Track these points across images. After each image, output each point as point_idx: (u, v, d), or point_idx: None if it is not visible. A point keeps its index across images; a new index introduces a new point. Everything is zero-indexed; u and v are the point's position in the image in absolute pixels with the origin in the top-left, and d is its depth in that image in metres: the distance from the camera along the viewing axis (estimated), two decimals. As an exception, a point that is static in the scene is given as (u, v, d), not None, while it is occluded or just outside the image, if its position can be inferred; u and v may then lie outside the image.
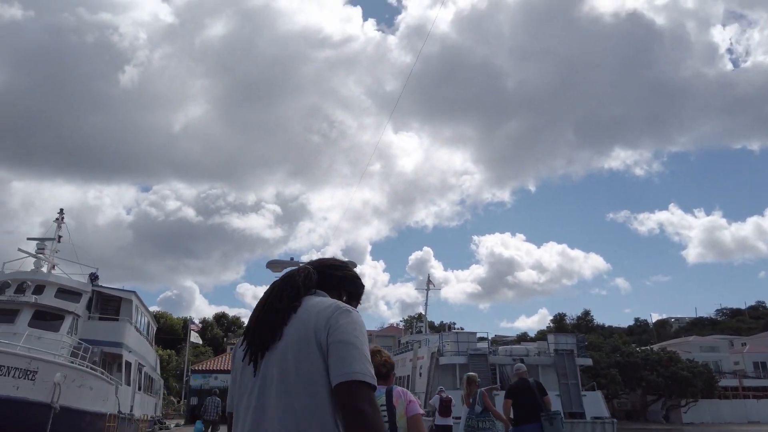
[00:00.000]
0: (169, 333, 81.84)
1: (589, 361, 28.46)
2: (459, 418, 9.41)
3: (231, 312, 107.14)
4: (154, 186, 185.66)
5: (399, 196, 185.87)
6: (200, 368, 42.99)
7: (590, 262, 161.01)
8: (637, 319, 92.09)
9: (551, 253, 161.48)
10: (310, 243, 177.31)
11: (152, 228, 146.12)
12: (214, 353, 72.17)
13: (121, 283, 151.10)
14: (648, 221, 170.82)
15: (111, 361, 23.20)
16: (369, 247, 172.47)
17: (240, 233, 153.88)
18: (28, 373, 14.47)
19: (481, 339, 28.68)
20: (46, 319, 19.83)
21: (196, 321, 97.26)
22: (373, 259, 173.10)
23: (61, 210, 24.74)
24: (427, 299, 41.97)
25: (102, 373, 19.43)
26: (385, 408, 3.21)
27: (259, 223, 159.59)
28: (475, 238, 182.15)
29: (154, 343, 33.71)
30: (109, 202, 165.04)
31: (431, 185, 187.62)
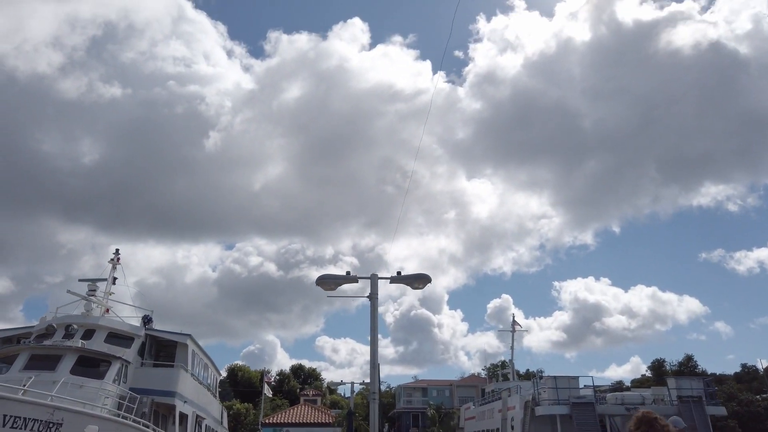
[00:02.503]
0: (247, 386, 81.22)
1: (722, 410, 23.40)
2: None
3: (309, 365, 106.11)
4: (238, 243, 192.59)
5: (475, 243, 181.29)
6: (270, 421, 40.48)
7: (685, 306, 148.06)
8: (744, 365, 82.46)
9: (641, 297, 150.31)
10: (387, 293, 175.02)
11: (236, 284, 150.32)
12: (289, 405, 70.09)
13: (208, 339, 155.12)
14: (746, 259, 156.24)
15: (165, 413, 20.99)
16: (446, 296, 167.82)
17: (321, 291, 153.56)
18: (51, 425, 12.33)
19: (586, 386, 24.19)
20: (91, 365, 17.95)
21: (274, 373, 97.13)
22: (450, 308, 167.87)
23: (117, 250, 23.45)
24: (513, 342, 37.80)
25: (148, 426, 17.12)
26: None
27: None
28: (556, 284, 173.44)
29: (217, 394, 31.51)
30: (196, 261, 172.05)
31: (508, 231, 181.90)
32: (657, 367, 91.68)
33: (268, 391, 59.63)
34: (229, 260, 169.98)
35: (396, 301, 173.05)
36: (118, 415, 16.21)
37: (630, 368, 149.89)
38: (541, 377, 24.87)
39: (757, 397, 62.32)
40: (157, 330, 22.22)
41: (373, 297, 10.03)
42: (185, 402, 21.58)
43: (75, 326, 18.94)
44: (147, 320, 21.66)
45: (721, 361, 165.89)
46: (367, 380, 29.83)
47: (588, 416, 21.42)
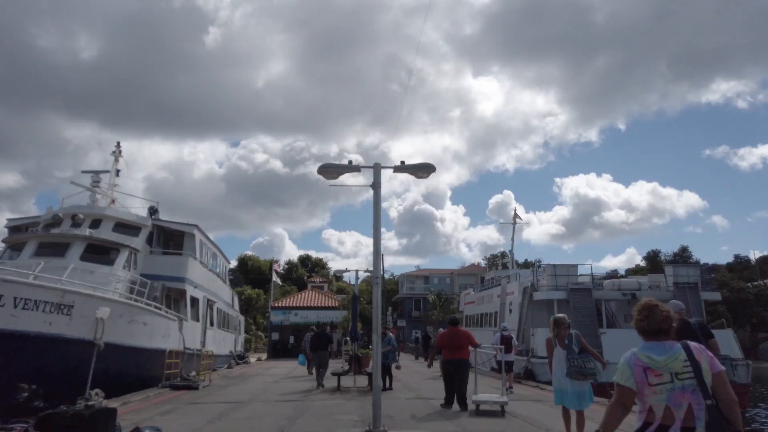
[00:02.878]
0: (257, 274, 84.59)
1: (717, 296, 24.14)
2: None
3: (316, 255, 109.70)
4: (243, 141, 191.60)
5: (479, 141, 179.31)
6: (280, 305, 42.26)
7: (684, 200, 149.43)
8: (737, 256, 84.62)
9: (641, 192, 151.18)
10: (392, 189, 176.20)
11: (243, 180, 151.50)
12: (297, 291, 73.17)
13: (218, 231, 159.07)
14: (750, 156, 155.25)
15: (177, 297, 21.81)
16: (449, 192, 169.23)
17: (324, 182, 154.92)
18: (62, 307, 12.75)
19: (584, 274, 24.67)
20: (100, 253, 18.35)
21: (282, 263, 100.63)
22: (453, 204, 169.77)
23: (118, 143, 23.17)
24: (513, 234, 38.33)
25: (159, 309, 17.81)
26: (688, 365, 2.99)
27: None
28: (557, 180, 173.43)
29: (227, 281, 32.65)
30: (202, 158, 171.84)
31: (513, 128, 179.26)
32: (652, 257, 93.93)
33: (277, 279, 62.06)
34: (235, 157, 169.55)
35: (400, 197, 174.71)
36: (130, 299, 16.79)
37: (625, 259, 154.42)
38: (539, 266, 25.48)
39: (748, 284, 64.50)
40: (164, 220, 22.56)
41: (376, 186, 9.87)
42: (195, 287, 22.36)
43: (81, 216, 19.13)
44: (153, 211, 21.90)
45: (715, 252, 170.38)
46: (372, 268, 30.77)
47: (585, 301, 22.18)
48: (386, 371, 15.92)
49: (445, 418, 10.60)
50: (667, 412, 2.98)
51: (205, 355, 18.97)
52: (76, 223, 19.13)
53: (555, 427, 10.22)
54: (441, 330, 14.92)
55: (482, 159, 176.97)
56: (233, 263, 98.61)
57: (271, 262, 69.35)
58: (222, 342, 28.33)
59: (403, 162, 9.86)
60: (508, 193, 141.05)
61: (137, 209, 22.39)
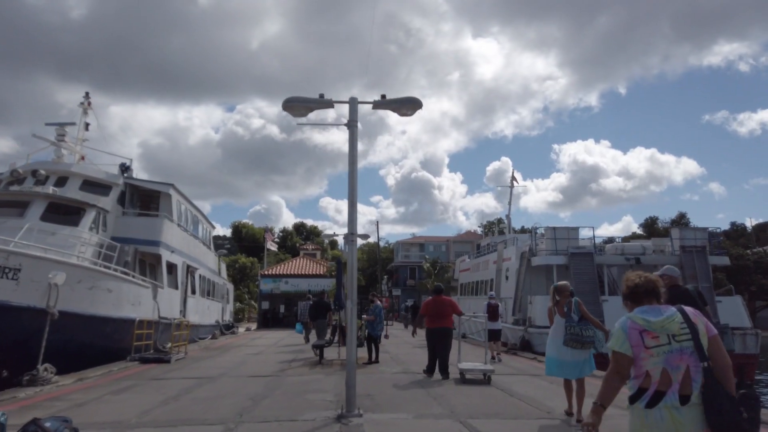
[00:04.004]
0: (251, 242, 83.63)
1: (725, 260, 22.88)
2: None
3: (312, 223, 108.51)
4: (238, 105, 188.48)
5: (478, 105, 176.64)
6: (270, 273, 41.05)
7: (682, 167, 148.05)
8: (733, 223, 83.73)
9: (639, 159, 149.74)
10: (389, 156, 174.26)
11: (239, 146, 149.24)
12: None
13: (215, 198, 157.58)
14: (749, 121, 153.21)
15: (154, 263, 20.44)
16: (447, 160, 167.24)
17: (321, 149, 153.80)
18: (6, 270, 11.36)
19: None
20: (65, 213, 16.88)
21: (277, 231, 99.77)
22: (450, 171, 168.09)
23: (87, 93, 21.41)
24: (510, 198, 36.92)
25: (128, 274, 16.44)
26: (685, 327, 2.98)
27: (339, 138, 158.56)
28: (555, 146, 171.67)
29: (212, 247, 31.26)
30: (198, 123, 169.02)
31: (512, 93, 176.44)
32: (649, 224, 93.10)
33: (272, 246, 60.92)
34: (231, 122, 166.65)
35: (397, 164, 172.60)
36: (96, 264, 15.42)
37: (621, 226, 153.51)
38: (537, 231, 24.10)
39: (747, 251, 63.61)
40: (137, 179, 20.97)
41: (352, 125, 8.42)
42: (173, 252, 20.97)
43: (43, 172, 17.59)
44: (124, 168, 20.30)
45: (711, 219, 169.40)
46: (367, 234, 29.34)
47: (586, 266, 20.89)
48: (372, 343, 14.70)
49: (431, 396, 9.35)
50: (664, 375, 2.91)
51: (181, 325, 17.66)
52: (39, 181, 17.62)
53: (539, 397, 9.31)
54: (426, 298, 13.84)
55: (481, 125, 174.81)
56: (227, 231, 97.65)
57: (265, 230, 68.30)
58: (206, 311, 27.13)
59: (383, 96, 8.34)
60: (506, 160, 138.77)
61: (112, 168, 20.74)
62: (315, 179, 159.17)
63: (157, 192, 21.25)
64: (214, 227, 31.79)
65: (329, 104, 8.44)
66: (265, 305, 40.32)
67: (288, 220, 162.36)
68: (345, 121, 8.42)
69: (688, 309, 3.12)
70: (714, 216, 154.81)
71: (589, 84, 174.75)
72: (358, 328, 15.20)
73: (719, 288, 23.01)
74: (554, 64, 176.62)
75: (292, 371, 13.24)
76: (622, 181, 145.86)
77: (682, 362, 2.92)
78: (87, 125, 21.03)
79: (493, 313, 16.02)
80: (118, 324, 15.37)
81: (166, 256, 20.23)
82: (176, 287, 21.53)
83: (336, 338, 16.66)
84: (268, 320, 39.60)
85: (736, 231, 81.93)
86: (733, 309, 20.45)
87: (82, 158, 20.65)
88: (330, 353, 15.65)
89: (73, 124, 20.20)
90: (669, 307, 3.12)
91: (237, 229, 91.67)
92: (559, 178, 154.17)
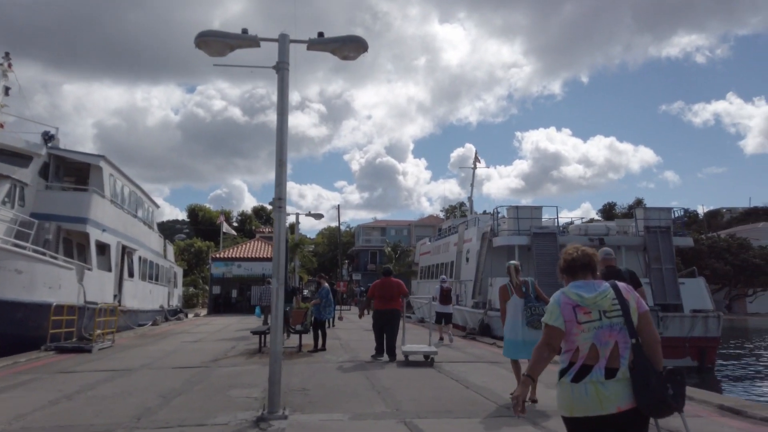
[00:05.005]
0: (208, 225, 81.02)
1: (689, 242, 22.38)
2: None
3: (271, 207, 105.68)
4: (199, 86, 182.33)
5: (444, 91, 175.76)
6: (222, 256, 39.12)
7: (640, 156, 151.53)
8: (686, 210, 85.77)
9: (599, 147, 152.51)
10: (354, 141, 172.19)
11: (200, 128, 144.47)
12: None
13: (175, 182, 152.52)
14: (703, 112, 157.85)
15: (83, 243, 18.52)
16: (412, 145, 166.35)
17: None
18: None
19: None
20: (-31, 185, 14.87)
21: (235, 214, 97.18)
22: (415, 157, 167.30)
23: (7, 54, 19.10)
24: (473, 178, 35.92)
25: (45, 254, 14.59)
26: (617, 303, 2.98)
27: (303, 122, 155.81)
28: (518, 134, 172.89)
29: (155, 227, 29.22)
30: (156, 104, 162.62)
31: (478, 79, 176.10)
32: (608, 210, 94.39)
33: (229, 230, 58.70)
34: (192, 104, 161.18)
35: (362, 149, 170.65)
36: (6, 243, 13.55)
37: (580, 213, 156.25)
38: (499, 212, 23.09)
39: (701, 236, 64.78)
40: (62, 150, 18.82)
41: (282, 67, 6.96)
42: (104, 230, 19.05)
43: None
44: (48, 137, 18.15)
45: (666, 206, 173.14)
46: (321, 213, 27.78)
47: (549, 246, 19.97)
48: (319, 328, 13.36)
49: (375, 390, 8.08)
50: (592, 351, 2.93)
51: (106, 310, 15.89)
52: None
53: (498, 389, 8.25)
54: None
55: (446, 111, 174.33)
56: (183, 214, 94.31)
57: (222, 213, 65.98)
58: (147, 296, 25.23)
59: (321, 33, 6.91)
60: (470, 147, 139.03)
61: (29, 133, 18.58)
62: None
63: (86, 164, 19.21)
64: (158, 206, 29.70)
65: (254, 42, 6.95)
66: (217, 290, 38.41)
67: (250, 203, 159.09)
68: (282, 65, 6.91)
69: (621, 285, 3.09)
70: (668, 203, 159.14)
71: (552, 72, 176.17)
72: (304, 312, 13.84)
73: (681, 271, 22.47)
74: (519, 51, 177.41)
75: (226, 361, 11.79)
76: (582, 168, 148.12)
77: (611, 338, 2.93)
78: (6, 89, 18.78)
79: (445, 296, 15.88)
80: (31, 309, 13.57)
81: (96, 235, 18.32)
82: (109, 269, 19.64)
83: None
84: (220, 305, 37.74)
85: (689, 218, 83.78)
86: (695, 291, 19.92)
87: (1, 126, 18.45)
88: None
89: (-15, 86, 17.96)
90: (603, 282, 3.09)
91: (193, 212, 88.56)
92: (522, 165, 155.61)
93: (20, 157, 17.05)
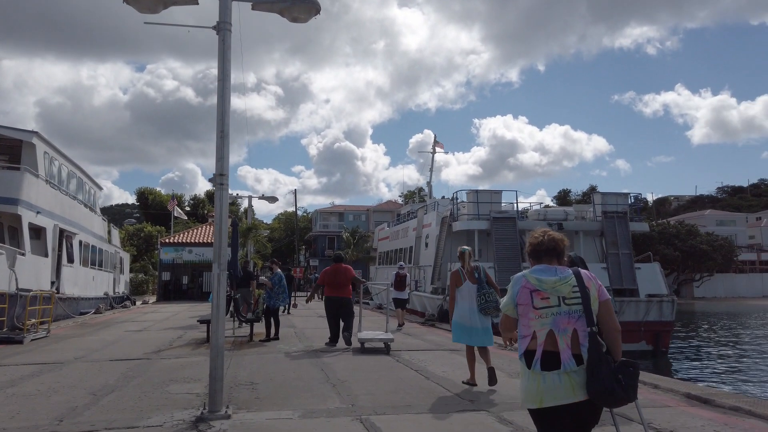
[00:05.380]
0: (159, 209, 78.47)
1: (645, 227, 22.65)
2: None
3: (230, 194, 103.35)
4: (149, 65, 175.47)
5: (402, 76, 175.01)
6: (171, 241, 37.63)
7: (593, 144, 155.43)
8: (636, 197, 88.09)
9: (554, 135, 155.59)
10: (312, 125, 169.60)
11: (150, 109, 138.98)
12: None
13: (124, 165, 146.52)
14: (653, 102, 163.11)
15: (15, 226, 17.17)
16: (370, 131, 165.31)
17: (240, 115, 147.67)
18: None
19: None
20: None
21: (187, 198, 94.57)
22: (373, 142, 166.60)
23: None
24: (432, 162, 35.59)
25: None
26: (577, 290, 2.92)
27: (260, 105, 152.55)
28: (476, 121, 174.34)
29: (98, 210, 27.68)
30: (104, 82, 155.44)
31: (436, 65, 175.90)
32: (562, 197, 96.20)
33: (181, 214, 56.76)
34: (141, 83, 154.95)
35: (320, 134, 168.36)
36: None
37: (535, 200, 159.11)
38: (458, 196, 22.76)
39: (652, 222, 66.77)
40: (-11, 124, 17.33)
41: (223, 28, 6.20)
42: (38, 213, 17.71)
43: None
44: (-28, 111, 16.66)
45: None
46: (275, 196, 26.87)
47: (508, 231, 19.77)
48: (272, 316, 12.68)
49: (330, 383, 7.52)
50: (549, 337, 2.86)
51: (40, 297, 14.72)
52: None
53: (459, 379, 7.79)
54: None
55: (405, 96, 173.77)
56: (132, 197, 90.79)
57: (171, 197, 63.90)
58: (90, 283, 23.88)
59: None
60: (429, 133, 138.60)
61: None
62: (233, 147, 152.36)
63: (17, 141, 17.76)
64: (101, 188, 28.09)
65: (192, -2, 6.15)
66: (166, 276, 36.98)
67: (204, 187, 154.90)
68: (214, 23, 6.15)
69: (584, 272, 3.04)
70: (620, 191, 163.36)
71: (510, 60, 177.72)
72: (255, 300, 13.12)
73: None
74: (478, 38, 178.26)
75: (169, 352, 10.99)
76: (538, 156, 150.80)
77: (569, 325, 2.87)
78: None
79: (400, 282, 15.95)
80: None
81: (29, 218, 16.99)
82: (45, 254, 18.33)
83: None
84: (170, 292, 36.37)
85: (640, 205, 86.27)
86: (651, 276, 20.12)
87: None
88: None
89: None
90: (566, 269, 3.02)
91: (143, 195, 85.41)
92: (479, 152, 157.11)
93: (-58, 132, 15.57)
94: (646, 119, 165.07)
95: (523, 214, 22.35)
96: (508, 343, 3.31)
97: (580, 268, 3.06)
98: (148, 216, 79.37)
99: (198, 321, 13.04)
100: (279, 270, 13.10)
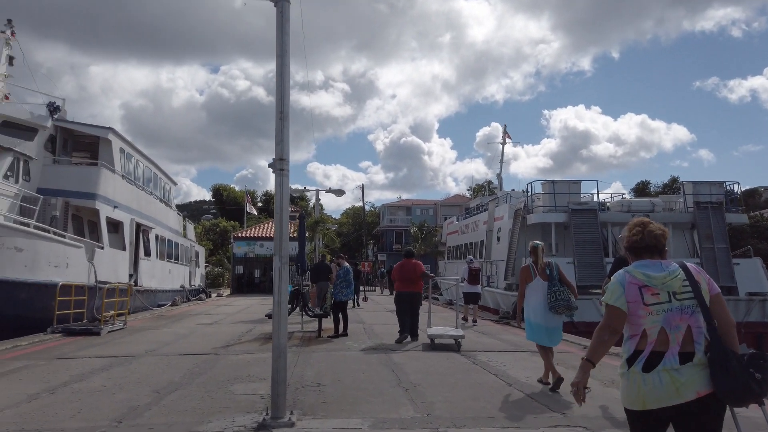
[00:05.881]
0: (233, 205, 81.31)
1: (743, 219, 20.63)
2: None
3: (295, 186, 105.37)
4: (223, 66, 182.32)
5: (469, 69, 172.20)
6: (243, 235, 38.40)
7: (673, 134, 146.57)
8: (730, 187, 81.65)
9: (630, 125, 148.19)
10: (379, 121, 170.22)
11: (224, 109, 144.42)
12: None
13: (201, 163, 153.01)
14: (739, 88, 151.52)
15: (94, 220, 17.71)
16: (436, 125, 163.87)
17: (309, 113, 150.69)
18: None
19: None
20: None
21: (260, 194, 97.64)
22: (440, 137, 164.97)
23: (9, 21, 18.20)
24: (502, 153, 34.31)
25: (47, 231, 13.74)
26: (687, 284, 2.72)
27: (328, 101, 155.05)
28: (546, 112, 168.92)
29: (173, 205, 28.43)
30: (182, 84, 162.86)
31: (504, 56, 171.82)
32: (641, 189, 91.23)
33: (252, 210, 58.31)
34: (216, 84, 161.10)
35: (386, 129, 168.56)
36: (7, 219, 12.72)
37: (611, 193, 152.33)
38: (532, 187, 21.55)
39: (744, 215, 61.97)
40: (69, 121, 17.92)
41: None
42: (116, 207, 18.20)
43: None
44: (53, 108, 17.24)
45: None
46: (342, 189, 26.63)
47: (589, 224, 18.42)
48: (339, 311, 12.25)
49: (402, 387, 6.92)
50: (661, 335, 2.68)
51: (116, 290, 15.01)
52: (-56, 124, 14.73)
53: (521, 377, 7.67)
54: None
55: (472, 89, 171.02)
56: (208, 194, 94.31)
57: (245, 193, 65.66)
58: (166, 276, 24.53)
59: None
60: (497, 126, 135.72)
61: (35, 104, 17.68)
62: (303, 144, 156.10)
63: (95, 138, 18.31)
64: (175, 184, 28.86)
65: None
66: (239, 270, 37.78)
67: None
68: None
69: (691, 265, 2.85)
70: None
71: (581, 48, 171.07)
72: (323, 295, 12.75)
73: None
74: (547, 27, 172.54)
75: (238, 347, 10.78)
76: (613, 147, 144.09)
77: (682, 322, 2.68)
78: (10, 59, 17.90)
79: (474, 276, 15.52)
80: (34, 290, 12.75)
81: (106, 212, 17.47)
82: (123, 248, 18.84)
83: (294, 307, 14.11)
84: (243, 285, 37.13)
85: (726, 197, 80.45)
86: (751, 272, 18.25)
87: (6, 98, 17.62)
88: (294, 323, 13.19)
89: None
90: (671, 262, 2.83)
91: (218, 192, 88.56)
92: (550, 144, 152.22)
93: (24, 130, 16.21)
94: (732, 106, 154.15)
95: (604, 205, 20.87)
96: (582, 400, 2.82)
97: (686, 262, 2.89)
98: (223, 212, 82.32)
99: (266, 315, 12.82)
100: (346, 264, 12.64)
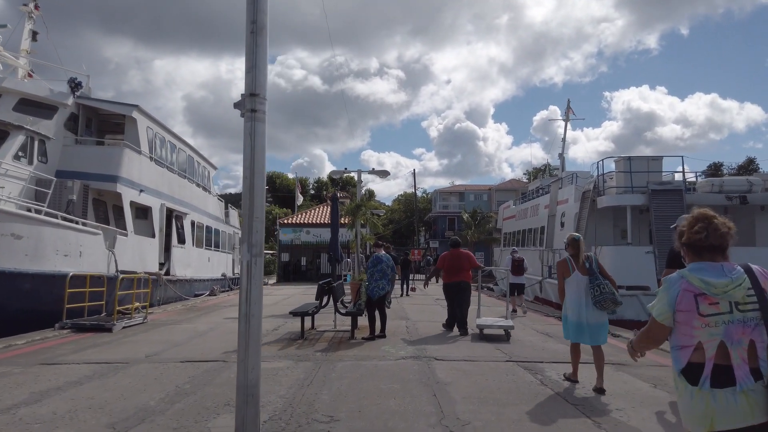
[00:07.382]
0: (286, 192, 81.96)
1: None
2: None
3: (349, 174, 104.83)
4: (279, 56, 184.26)
5: (527, 50, 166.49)
6: (290, 222, 37.14)
7: (746, 113, 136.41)
8: (812, 172, 74.51)
9: (698, 105, 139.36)
10: (433, 107, 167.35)
11: (281, 98, 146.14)
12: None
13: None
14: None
15: (119, 204, 16.52)
16: (492, 110, 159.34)
17: (364, 100, 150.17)
18: None
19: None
20: (-19, 136, 12.94)
21: (312, 182, 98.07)
22: (495, 122, 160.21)
23: (33, -7, 17.13)
24: (566, 130, 31.47)
25: (54, 216, 12.46)
26: (752, 293, 2.31)
27: (382, 89, 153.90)
28: (607, 94, 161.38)
29: (212, 190, 27.27)
30: (240, 75, 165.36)
31: (564, 36, 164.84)
32: (713, 172, 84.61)
33: (298, 196, 57.72)
34: (272, 74, 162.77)
35: (440, 115, 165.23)
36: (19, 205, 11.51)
37: (677, 177, 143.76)
38: (595, 174, 18.93)
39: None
40: (92, 99, 16.70)
41: None
42: (142, 191, 16.94)
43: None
44: (75, 85, 16.04)
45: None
46: (386, 170, 24.61)
47: (673, 206, 15.71)
48: (375, 308, 10.37)
49: (441, 423, 4.93)
50: (721, 350, 2.30)
51: (135, 280, 13.65)
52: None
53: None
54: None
55: (529, 71, 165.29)
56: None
57: (297, 180, 65.17)
58: (204, 264, 23.40)
59: None
60: (555, 109, 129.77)
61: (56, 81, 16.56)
62: (357, 131, 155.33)
63: (120, 116, 17.06)
64: (215, 168, 27.69)
65: None
66: (285, 257, 36.60)
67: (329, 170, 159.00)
68: None
69: (757, 269, 2.40)
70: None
71: (648, 25, 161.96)
72: (357, 289, 10.86)
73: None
74: (610, 4, 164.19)
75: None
76: (680, 129, 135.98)
77: (744, 336, 2.30)
78: (34, 34, 16.85)
79: (517, 267, 14.94)
80: (39, 281, 11.50)
81: (131, 196, 16.22)
82: (152, 235, 17.62)
83: (323, 303, 12.27)
84: (289, 273, 35.95)
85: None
86: None
87: (29, 75, 16.58)
88: (324, 320, 11.47)
89: (4, 26, 16.01)
90: (734, 266, 2.40)
91: (271, 179, 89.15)
92: (611, 127, 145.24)
93: (43, 108, 15.07)
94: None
95: (691, 185, 18.02)
96: (638, 356, 2.69)
97: (751, 265, 2.41)
98: (276, 199, 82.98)
99: (290, 313, 11.08)
100: (382, 252, 10.66)
